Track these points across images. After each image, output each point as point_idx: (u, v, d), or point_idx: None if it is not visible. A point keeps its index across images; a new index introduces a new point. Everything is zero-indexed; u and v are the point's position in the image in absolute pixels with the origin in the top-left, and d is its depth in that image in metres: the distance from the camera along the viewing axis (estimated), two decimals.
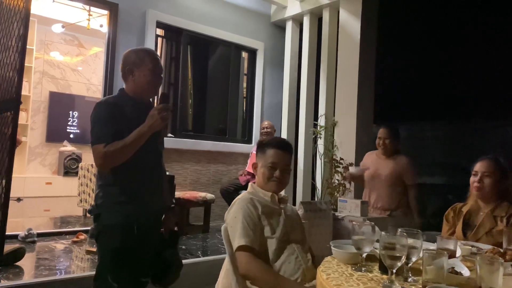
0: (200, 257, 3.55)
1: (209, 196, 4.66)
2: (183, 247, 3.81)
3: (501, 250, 1.73)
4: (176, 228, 2.28)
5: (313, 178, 5.17)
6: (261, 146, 2.11)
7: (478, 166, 2.27)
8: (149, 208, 2.01)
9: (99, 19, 6.23)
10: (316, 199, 4.81)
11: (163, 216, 2.16)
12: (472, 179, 2.27)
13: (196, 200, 4.53)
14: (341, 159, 4.60)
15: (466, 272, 1.41)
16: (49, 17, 6.65)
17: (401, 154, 3.71)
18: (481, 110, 5.20)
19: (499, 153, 2.36)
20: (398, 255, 1.29)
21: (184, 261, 3.27)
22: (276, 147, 2.05)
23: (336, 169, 4.64)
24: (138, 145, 1.88)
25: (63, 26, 6.65)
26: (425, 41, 5.51)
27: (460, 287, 1.27)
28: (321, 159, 4.91)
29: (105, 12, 4.83)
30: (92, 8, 5.97)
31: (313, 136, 5.01)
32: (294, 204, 4.97)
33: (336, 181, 4.63)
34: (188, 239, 4.20)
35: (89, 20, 6.20)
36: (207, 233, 4.60)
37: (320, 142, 4.93)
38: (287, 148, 2.10)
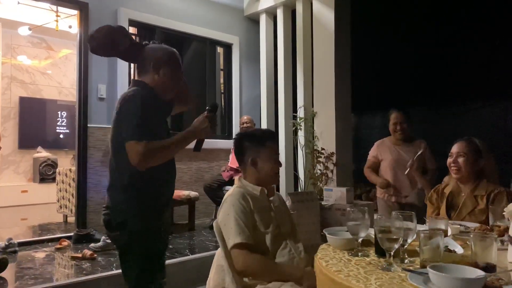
0: (188, 255, 3.52)
1: (193, 194, 4.62)
2: (170, 246, 3.78)
3: (488, 227, 1.78)
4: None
5: (296, 170, 5.19)
6: (257, 139, 2.03)
7: (454, 148, 2.33)
8: (169, 210, 2.02)
9: (68, 20, 6.06)
10: (299, 190, 4.84)
11: None
12: (448, 160, 2.33)
13: (180, 198, 4.48)
14: (322, 149, 4.65)
15: (459, 250, 1.44)
16: (14, 20, 6.41)
17: (417, 138, 3.52)
18: (456, 94, 5.32)
19: (473, 134, 2.42)
20: (395, 237, 1.31)
21: (172, 260, 3.30)
22: (274, 140, 2.07)
23: (318, 159, 4.69)
24: (180, 149, 1.79)
25: (30, 29, 6.42)
26: (400, 29, 5.58)
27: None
28: (302, 150, 4.94)
29: (74, 12, 4.70)
30: (60, 9, 5.79)
31: (293, 128, 5.02)
32: None
33: (319, 171, 4.67)
34: (174, 238, 4.16)
35: (57, 21, 6.01)
36: (193, 231, 4.57)
37: (301, 134, 4.94)
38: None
